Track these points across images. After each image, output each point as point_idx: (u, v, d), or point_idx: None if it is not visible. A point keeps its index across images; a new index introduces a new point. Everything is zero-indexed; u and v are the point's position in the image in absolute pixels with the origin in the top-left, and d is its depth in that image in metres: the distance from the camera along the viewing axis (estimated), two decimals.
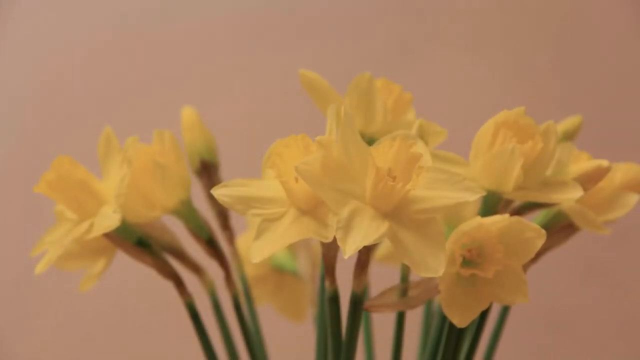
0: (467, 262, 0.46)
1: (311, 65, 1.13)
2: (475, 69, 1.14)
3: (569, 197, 0.48)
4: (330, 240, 0.44)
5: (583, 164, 0.51)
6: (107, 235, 0.55)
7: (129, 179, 0.52)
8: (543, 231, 0.44)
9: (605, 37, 1.14)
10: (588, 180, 0.50)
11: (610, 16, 1.14)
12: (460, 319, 0.45)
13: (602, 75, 1.14)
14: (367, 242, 0.43)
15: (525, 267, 0.59)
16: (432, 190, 0.44)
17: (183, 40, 1.15)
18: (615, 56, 1.14)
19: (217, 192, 0.46)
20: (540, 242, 0.44)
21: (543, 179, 0.49)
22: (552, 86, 1.14)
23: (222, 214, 0.62)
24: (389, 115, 0.53)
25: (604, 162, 0.50)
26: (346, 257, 0.43)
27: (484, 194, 0.44)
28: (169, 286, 0.58)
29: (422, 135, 0.50)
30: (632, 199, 0.54)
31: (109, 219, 0.51)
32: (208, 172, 0.62)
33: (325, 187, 0.44)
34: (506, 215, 0.45)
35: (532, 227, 0.44)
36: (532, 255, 0.44)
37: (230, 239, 0.63)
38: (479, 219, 0.45)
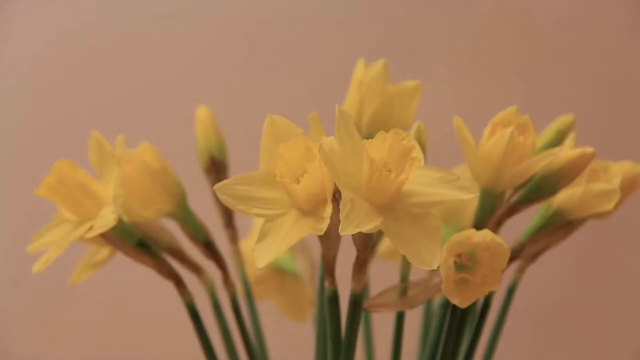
0: (460, 266, 0.47)
1: (312, 65, 1.13)
2: (473, 74, 1.14)
3: (551, 156, 0.50)
4: (323, 232, 0.45)
5: (568, 152, 0.52)
6: (107, 238, 0.55)
7: (124, 179, 0.53)
8: (507, 246, 0.47)
9: (604, 38, 1.14)
10: (573, 168, 0.51)
11: (610, 18, 1.14)
12: (461, 303, 0.47)
13: (599, 77, 1.14)
14: (361, 230, 0.43)
15: (524, 267, 0.60)
16: (427, 187, 0.46)
17: (184, 41, 1.15)
18: (613, 58, 1.14)
19: (220, 191, 0.46)
20: (507, 257, 0.47)
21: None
22: (550, 87, 1.14)
23: (227, 212, 0.63)
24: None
25: (589, 149, 0.51)
26: (342, 233, 0.43)
27: (477, 194, 0.46)
28: (169, 286, 0.58)
29: (420, 138, 0.50)
30: (616, 181, 0.55)
31: (105, 219, 0.52)
32: (217, 170, 0.63)
33: (338, 171, 0.45)
34: (489, 233, 0.47)
35: (499, 243, 0.47)
36: (505, 265, 0.47)
37: (234, 237, 0.64)
38: (472, 232, 0.47)
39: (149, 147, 0.57)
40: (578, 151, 0.52)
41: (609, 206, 0.54)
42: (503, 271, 0.47)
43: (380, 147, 0.45)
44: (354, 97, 0.57)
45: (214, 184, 0.62)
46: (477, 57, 1.15)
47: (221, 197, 0.46)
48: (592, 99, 1.14)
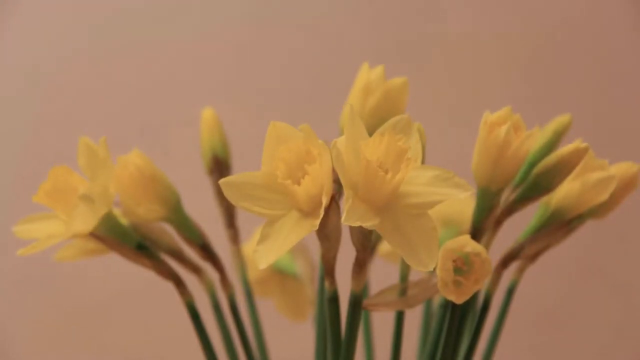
0: (456, 269, 0.48)
1: (312, 66, 1.14)
2: (471, 75, 1.14)
3: (529, 137, 0.51)
4: (317, 227, 0.45)
5: (562, 148, 0.53)
6: (105, 240, 0.55)
7: (117, 183, 0.54)
8: (485, 255, 0.48)
9: (601, 41, 1.14)
10: (568, 163, 0.52)
11: (609, 18, 1.14)
12: (457, 300, 0.48)
13: (596, 77, 1.14)
14: (362, 223, 0.44)
15: (524, 267, 0.60)
16: (423, 186, 0.46)
17: (184, 42, 1.15)
18: (609, 60, 1.15)
19: (225, 186, 0.47)
20: (489, 264, 0.48)
21: None
22: (547, 88, 1.15)
23: (228, 211, 0.63)
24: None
25: (582, 144, 0.52)
26: (344, 223, 0.44)
27: (473, 191, 0.46)
28: (168, 286, 0.58)
29: (420, 138, 0.51)
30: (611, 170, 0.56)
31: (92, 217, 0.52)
32: (220, 169, 0.63)
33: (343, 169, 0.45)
34: (478, 245, 0.48)
35: (479, 251, 0.48)
36: (490, 270, 0.48)
37: (235, 237, 0.64)
38: (464, 239, 0.48)
39: (139, 153, 0.58)
40: (572, 146, 0.53)
41: (606, 194, 0.55)
42: (488, 275, 0.48)
43: (376, 148, 0.46)
44: (357, 98, 0.58)
45: (216, 183, 0.63)
46: (474, 58, 1.15)
47: (226, 192, 0.47)
48: (590, 99, 1.14)
